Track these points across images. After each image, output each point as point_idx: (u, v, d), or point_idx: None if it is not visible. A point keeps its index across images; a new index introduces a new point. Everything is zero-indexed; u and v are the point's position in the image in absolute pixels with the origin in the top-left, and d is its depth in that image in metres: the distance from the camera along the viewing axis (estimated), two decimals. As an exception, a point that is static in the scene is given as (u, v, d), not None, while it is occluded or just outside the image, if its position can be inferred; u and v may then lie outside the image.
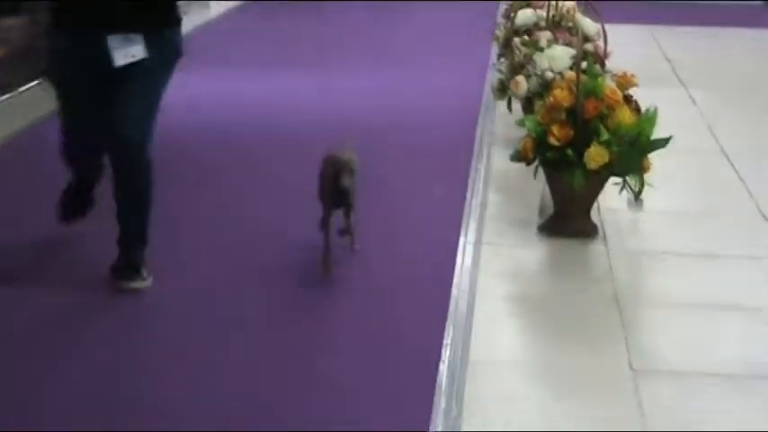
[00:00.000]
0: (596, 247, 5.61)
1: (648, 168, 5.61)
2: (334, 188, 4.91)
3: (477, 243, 5.53)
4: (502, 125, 7.57)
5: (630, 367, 4.37)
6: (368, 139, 7.19)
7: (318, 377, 4.17)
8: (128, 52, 4.76)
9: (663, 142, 5.58)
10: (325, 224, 5.03)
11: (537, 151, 5.62)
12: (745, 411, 4.11)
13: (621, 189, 5.69)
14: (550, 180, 5.71)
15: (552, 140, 5.51)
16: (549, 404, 4.19)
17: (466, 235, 5.59)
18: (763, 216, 6.05)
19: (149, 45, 4.80)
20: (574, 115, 5.52)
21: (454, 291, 4.94)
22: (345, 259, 5.10)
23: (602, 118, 5.50)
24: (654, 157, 5.62)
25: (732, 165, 7.00)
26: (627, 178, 5.64)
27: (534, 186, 5.93)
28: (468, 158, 6.88)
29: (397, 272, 5.15)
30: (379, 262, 5.24)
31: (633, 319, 4.83)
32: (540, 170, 5.70)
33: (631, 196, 5.73)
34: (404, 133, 7.56)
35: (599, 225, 5.76)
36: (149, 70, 4.83)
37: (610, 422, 3.99)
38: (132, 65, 4.76)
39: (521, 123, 5.95)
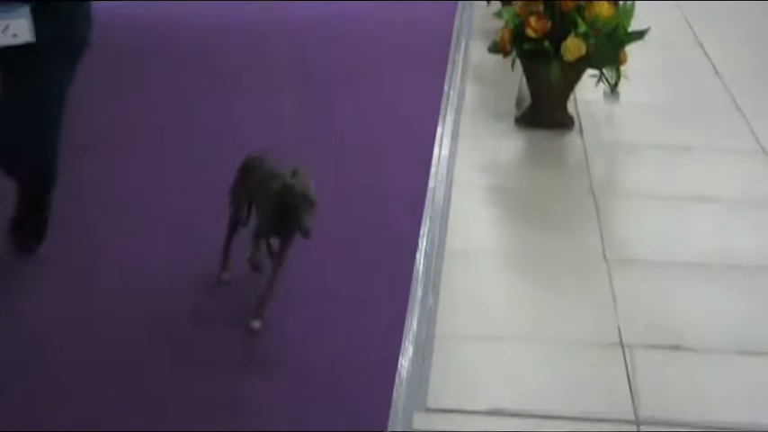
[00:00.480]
0: (572, 138, 5.63)
1: (625, 60, 5.62)
2: (283, 223, 3.71)
3: (455, 134, 5.53)
4: (480, 17, 7.54)
5: (604, 257, 4.43)
6: (344, 31, 7.17)
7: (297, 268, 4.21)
8: (7, 28, 3.44)
9: (640, 35, 5.57)
10: (255, 262, 3.81)
11: (514, 43, 5.62)
12: (719, 300, 4.20)
13: (598, 81, 5.71)
14: (527, 72, 5.71)
15: (530, 32, 5.49)
16: (523, 292, 4.26)
17: (443, 126, 5.58)
18: (738, 109, 6.07)
19: (41, 23, 3.54)
20: (551, 7, 5.50)
21: (431, 181, 4.95)
22: (322, 147, 5.10)
23: (579, 10, 5.49)
24: (630, 49, 5.62)
25: (708, 57, 7.01)
26: (603, 70, 5.66)
27: (512, 78, 5.92)
28: (446, 51, 6.86)
29: (373, 164, 5.16)
30: (355, 152, 5.23)
31: (608, 209, 4.88)
32: (518, 62, 5.70)
33: (608, 88, 5.77)
34: (380, 27, 7.51)
35: (575, 117, 5.79)
36: (43, 63, 3.60)
37: (583, 310, 4.06)
38: (20, 56, 3.49)
39: (498, 15, 5.93)
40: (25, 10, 3.44)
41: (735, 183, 5.20)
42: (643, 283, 4.29)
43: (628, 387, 3.57)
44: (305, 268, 4.08)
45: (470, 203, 4.94)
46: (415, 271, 4.20)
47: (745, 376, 3.70)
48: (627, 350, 3.79)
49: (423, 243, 4.42)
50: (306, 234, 3.57)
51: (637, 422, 3.39)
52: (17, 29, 3.42)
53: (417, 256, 4.32)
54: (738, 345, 3.87)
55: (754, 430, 3.39)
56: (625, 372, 3.66)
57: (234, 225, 3.98)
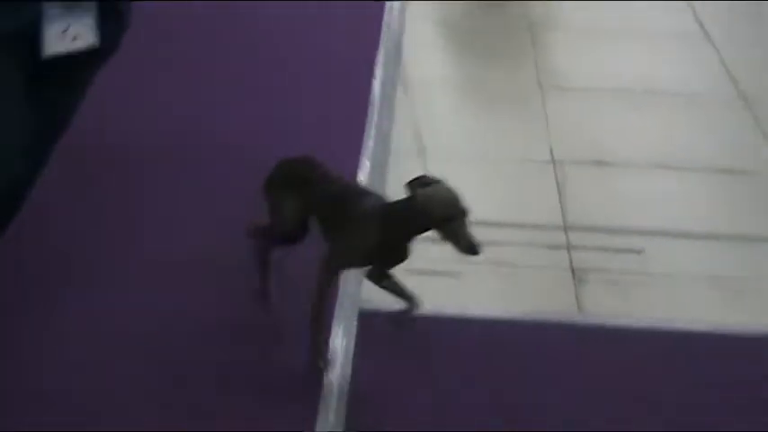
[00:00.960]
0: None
1: None
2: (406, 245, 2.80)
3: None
4: None
5: (539, 85, 4.63)
6: None
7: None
8: (68, 31, 2.54)
9: None
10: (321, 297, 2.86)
11: None
12: (640, 121, 4.44)
13: None
14: None
15: None
16: (467, 116, 4.46)
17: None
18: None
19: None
20: None
21: (386, 15, 5.09)
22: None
23: None
24: None
25: None
26: None
27: None
28: None
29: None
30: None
31: (544, 42, 5.07)
32: None
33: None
34: None
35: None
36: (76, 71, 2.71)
37: (519, 132, 4.28)
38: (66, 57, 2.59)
39: None
40: (91, 6, 2.56)
41: (661, 16, 5.40)
42: (573, 107, 4.50)
43: (558, 198, 3.81)
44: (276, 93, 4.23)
45: (422, 36, 5.10)
46: (371, 97, 4.36)
47: (658, 187, 3.97)
48: (557, 166, 4.01)
49: (379, 72, 4.57)
50: (476, 251, 2.69)
51: (565, 228, 3.64)
52: (79, 31, 2.55)
53: (374, 83, 4.47)
54: (654, 160, 4.13)
55: (665, 232, 3.68)
56: (555, 185, 3.89)
57: (279, 241, 3.06)
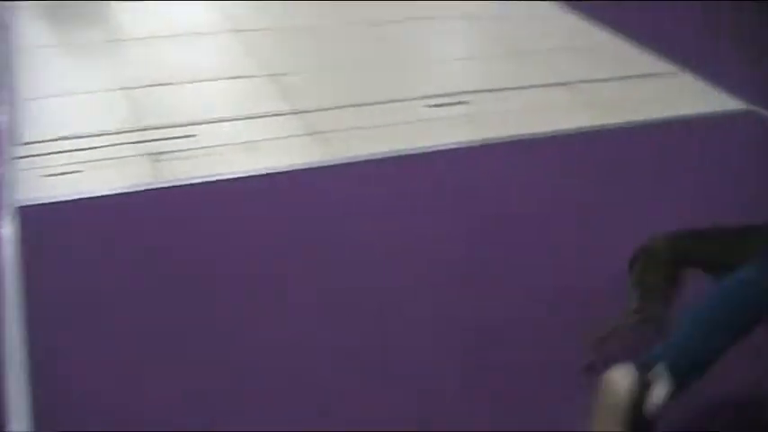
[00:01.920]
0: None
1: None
2: None
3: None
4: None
5: (109, 40, 5.37)
6: None
7: None
8: None
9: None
10: None
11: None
12: (184, 51, 5.27)
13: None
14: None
15: None
16: (75, 68, 5.05)
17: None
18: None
19: None
20: None
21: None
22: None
23: None
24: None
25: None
26: None
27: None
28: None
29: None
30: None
31: (120, 18, 5.76)
32: None
33: None
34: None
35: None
36: None
37: (102, 72, 4.92)
38: None
39: None
40: None
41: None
42: (144, 52, 5.26)
43: (131, 110, 4.50)
44: None
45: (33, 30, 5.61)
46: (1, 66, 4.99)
47: (204, 93, 4.77)
48: (134, 90, 4.80)
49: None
50: None
51: (142, 129, 4.36)
52: None
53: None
54: (200, 77, 4.99)
55: (209, 120, 4.38)
56: (127, 101, 4.61)
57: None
